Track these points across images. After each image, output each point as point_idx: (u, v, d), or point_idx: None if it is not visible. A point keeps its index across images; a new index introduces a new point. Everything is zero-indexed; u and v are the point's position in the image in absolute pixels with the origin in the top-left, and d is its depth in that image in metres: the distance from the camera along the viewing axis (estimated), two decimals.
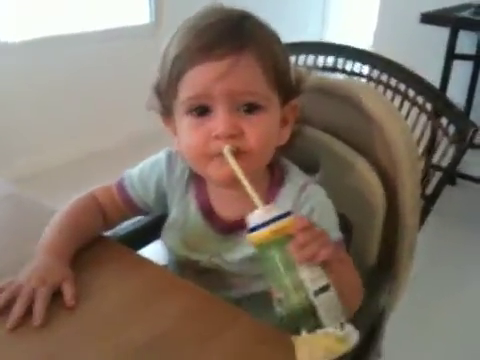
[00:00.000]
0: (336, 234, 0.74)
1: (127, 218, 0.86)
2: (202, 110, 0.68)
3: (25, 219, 0.87)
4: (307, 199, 0.75)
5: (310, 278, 0.56)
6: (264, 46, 0.68)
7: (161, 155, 0.82)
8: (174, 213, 0.80)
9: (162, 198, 0.82)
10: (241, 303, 0.73)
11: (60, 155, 2.69)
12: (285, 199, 0.75)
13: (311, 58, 1.11)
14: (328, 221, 0.74)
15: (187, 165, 0.79)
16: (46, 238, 0.74)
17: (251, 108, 0.68)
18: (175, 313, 0.67)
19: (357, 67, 1.08)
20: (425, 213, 1.03)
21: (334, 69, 1.10)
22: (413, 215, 0.89)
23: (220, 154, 0.67)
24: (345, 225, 0.84)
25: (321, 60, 1.11)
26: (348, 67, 1.10)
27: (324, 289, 0.56)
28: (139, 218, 0.92)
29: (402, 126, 0.86)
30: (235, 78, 0.65)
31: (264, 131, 0.69)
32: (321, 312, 0.55)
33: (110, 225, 0.84)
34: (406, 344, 1.56)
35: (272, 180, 0.77)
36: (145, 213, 0.86)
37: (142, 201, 0.83)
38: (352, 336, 0.56)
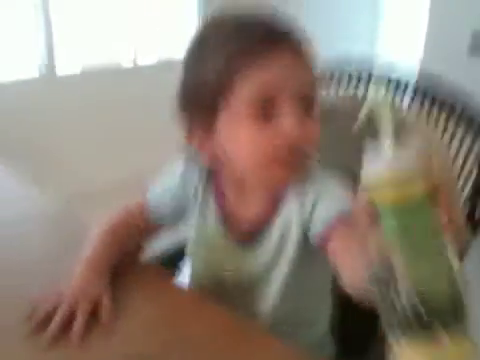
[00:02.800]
0: (346, 207, 0.68)
1: (156, 233, 0.87)
2: (266, 112, 0.66)
3: (72, 235, 0.91)
4: (312, 184, 0.73)
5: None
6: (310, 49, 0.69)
7: (176, 169, 0.82)
8: (194, 228, 0.81)
9: (180, 212, 0.83)
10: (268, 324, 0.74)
11: (107, 178, 2.76)
12: (293, 200, 0.74)
13: None
14: (338, 197, 0.71)
15: (204, 175, 0.79)
16: (86, 254, 0.77)
17: (309, 107, 0.67)
18: (203, 337, 0.67)
19: None
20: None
21: None
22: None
23: (287, 157, 0.67)
24: None
25: None
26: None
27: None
28: (175, 243, 0.94)
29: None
30: (302, 70, 0.66)
31: (317, 131, 0.69)
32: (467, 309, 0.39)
33: (145, 239, 0.87)
34: None
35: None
36: (169, 228, 0.87)
37: (162, 217, 0.84)
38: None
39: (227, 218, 0.79)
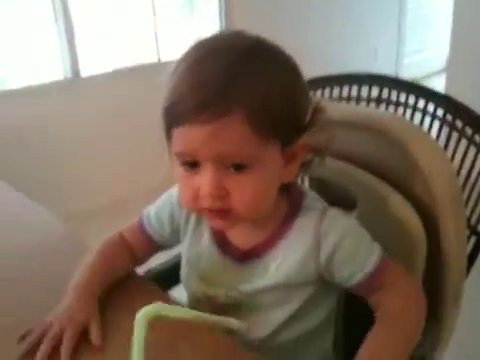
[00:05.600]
0: (377, 252, 0.73)
1: (152, 253, 0.87)
2: (192, 164, 0.68)
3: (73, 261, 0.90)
4: (331, 227, 0.72)
5: None
6: (257, 102, 0.64)
7: (173, 189, 0.83)
8: (188, 247, 0.81)
9: (177, 231, 0.83)
10: (261, 347, 0.72)
11: (115, 193, 2.77)
12: (303, 229, 0.73)
13: (355, 89, 1.09)
14: (364, 244, 0.74)
15: None
16: (76, 277, 0.77)
17: (239, 167, 0.66)
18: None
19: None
20: (477, 251, 0.96)
21: (379, 100, 1.07)
22: (458, 256, 0.83)
23: (209, 208, 0.67)
24: None
25: (365, 91, 1.08)
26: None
27: None
28: (174, 256, 0.93)
29: (442, 161, 0.82)
30: (220, 142, 0.64)
31: (251, 191, 0.67)
32: None
33: (139, 261, 0.86)
34: None
35: (289, 208, 0.75)
36: (166, 247, 0.87)
37: (160, 236, 0.84)
38: None
39: (222, 239, 0.78)
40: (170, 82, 0.67)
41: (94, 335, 0.69)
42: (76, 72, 2.73)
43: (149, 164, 2.85)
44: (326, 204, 0.77)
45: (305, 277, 0.73)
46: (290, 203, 0.75)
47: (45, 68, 2.71)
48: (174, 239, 0.84)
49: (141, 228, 0.84)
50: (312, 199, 0.76)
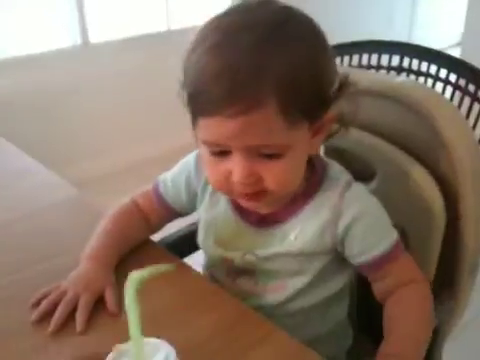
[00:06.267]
0: (389, 240, 0.72)
1: (168, 221, 0.87)
2: (220, 151, 0.65)
3: (83, 222, 0.90)
4: (353, 200, 0.72)
5: None
6: (289, 89, 0.60)
7: (190, 156, 0.81)
8: (205, 211, 0.80)
9: (193, 198, 0.81)
10: (275, 314, 0.72)
11: (125, 158, 2.75)
12: (325, 200, 0.72)
13: (375, 57, 1.06)
14: (382, 225, 0.73)
15: None
16: (91, 245, 0.77)
17: (270, 155, 0.64)
18: (209, 324, 0.67)
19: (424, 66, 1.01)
20: None
21: (400, 69, 1.04)
22: (477, 229, 0.82)
23: (242, 192, 0.67)
24: (402, 238, 0.79)
25: (385, 59, 1.05)
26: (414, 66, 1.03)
27: None
28: (188, 224, 0.93)
29: (464, 130, 0.80)
30: (251, 135, 0.61)
31: (283, 174, 0.66)
32: None
33: (153, 229, 0.86)
34: None
35: (312, 178, 0.74)
36: (183, 215, 0.86)
37: (177, 203, 0.83)
38: None
39: (239, 204, 0.76)
40: (189, 64, 0.63)
41: (110, 302, 0.69)
42: (85, 40, 2.69)
43: (159, 132, 2.87)
44: (351, 177, 0.75)
45: (322, 247, 0.73)
46: (313, 173, 0.74)
47: (55, 35, 2.67)
48: (190, 207, 0.83)
49: (157, 195, 0.83)
50: (337, 171, 0.75)
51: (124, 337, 0.62)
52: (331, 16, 3.55)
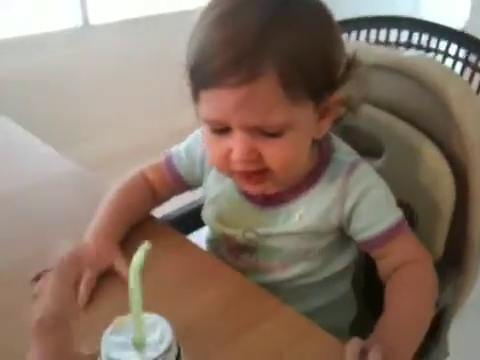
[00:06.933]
0: (393, 217, 0.71)
1: (177, 193, 0.85)
2: (221, 128, 0.64)
3: (85, 196, 0.89)
4: (360, 179, 0.71)
5: None
6: (290, 62, 0.59)
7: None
8: (210, 187, 0.79)
9: (203, 170, 0.80)
10: (277, 290, 0.71)
11: (125, 140, 2.71)
12: (331, 181, 0.72)
13: (383, 33, 1.03)
14: (382, 207, 0.72)
15: None
16: (97, 219, 0.75)
17: (272, 134, 0.62)
18: (212, 299, 0.66)
19: (433, 42, 0.99)
20: None
21: (408, 45, 1.02)
22: None
23: (243, 171, 0.65)
24: (409, 216, 0.78)
25: (394, 34, 1.02)
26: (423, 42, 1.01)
27: None
28: (192, 202, 0.91)
29: (475, 106, 0.78)
30: (251, 111, 0.60)
31: (284, 152, 0.64)
32: None
33: (160, 202, 0.84)
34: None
35: (319, 160, 0.73)
36: (192, 188, 0.85)
37: (189, 175, 0.82)
38: None
39: None
40: (194, 37, 0.62)
41: (124, 273, 0.66)
42: (86, 21, 2.67)
43: (160, 113, 2.85)
44: (359, 157, 0.74)
45: (327, 227, 0.72)
46: (319, 155, 0.73)
47: (56, 17, 2.64)
48: (201, 180, 0.82)
49: (169, 166, 0.82)
50: (343, 153, 0.74)
51: (120, 310, 0.63)
52: None
